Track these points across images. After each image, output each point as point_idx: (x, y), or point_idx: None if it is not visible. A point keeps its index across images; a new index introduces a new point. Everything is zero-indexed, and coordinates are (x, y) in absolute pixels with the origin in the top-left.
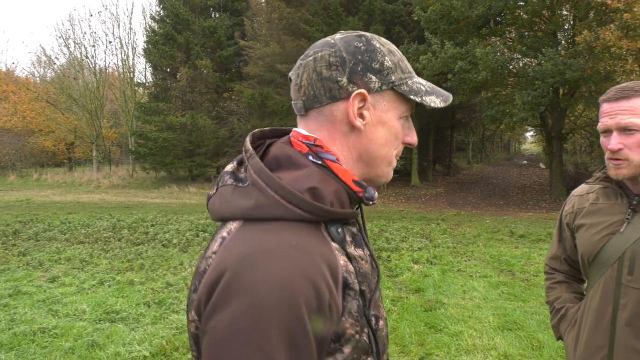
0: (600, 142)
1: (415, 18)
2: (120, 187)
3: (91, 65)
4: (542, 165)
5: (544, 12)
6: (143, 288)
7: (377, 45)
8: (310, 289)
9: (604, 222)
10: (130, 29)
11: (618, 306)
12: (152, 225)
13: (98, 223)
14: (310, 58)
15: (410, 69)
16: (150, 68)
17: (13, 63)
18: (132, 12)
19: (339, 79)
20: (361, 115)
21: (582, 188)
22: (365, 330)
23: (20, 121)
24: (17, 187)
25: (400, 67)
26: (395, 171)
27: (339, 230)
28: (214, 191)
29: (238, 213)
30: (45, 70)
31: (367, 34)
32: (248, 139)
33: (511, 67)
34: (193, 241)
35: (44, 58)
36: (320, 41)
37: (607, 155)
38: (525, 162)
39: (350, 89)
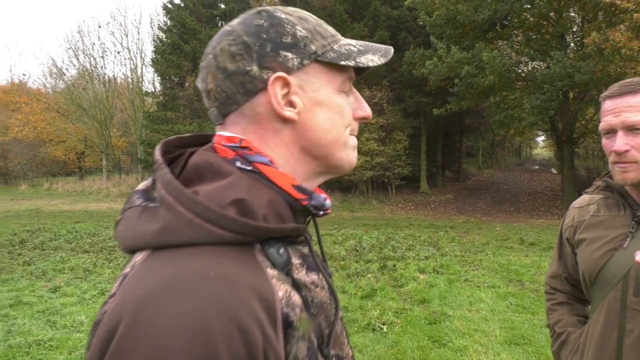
0: (603, 144)
1: (421, 23)
2: (129, 195)
3: (100, 76)
4: (553, 171)
5: (551, 14)
6: None
7: (283, 15)
8: (234, 332)
9: (605, 236)
10: (139, 39)
11: (624, 332)
12: None
13: (104, 232)
14: (210, 56)
15: (333, 31)
16: (158, 77)
17: (24, 75)
18: (140, 23)
19: (247, 68)
20: (290, 103)
21: (582, 199)
22: None
23: (31, 131)
24: (28, 196)
25: (319, 33)
26: (404, 177)
27: (281, 251)
28: (121, 216)
29: (144, 241)
30: (56, 81)
31: (269, 7)
32: (158, 148)
33: (519, 70)
34: None
35: (54, 69)
36: (217, 33)
37: (611, 158)
38: (537, 167)
39: (265, 76)
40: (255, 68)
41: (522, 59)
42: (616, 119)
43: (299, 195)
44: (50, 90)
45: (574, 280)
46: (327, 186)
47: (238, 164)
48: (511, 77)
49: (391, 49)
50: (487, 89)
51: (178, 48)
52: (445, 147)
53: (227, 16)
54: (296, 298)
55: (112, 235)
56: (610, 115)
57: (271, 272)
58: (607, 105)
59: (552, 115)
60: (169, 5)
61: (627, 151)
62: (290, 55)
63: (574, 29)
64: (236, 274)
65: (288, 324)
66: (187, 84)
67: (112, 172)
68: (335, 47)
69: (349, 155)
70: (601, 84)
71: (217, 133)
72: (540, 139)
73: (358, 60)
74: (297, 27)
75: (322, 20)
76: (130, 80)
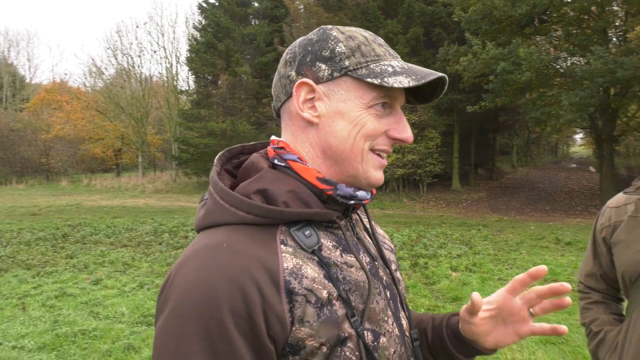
0: None
1: (456, 19)
2: (163, 192)
3: (137, 75)
4: (592, 169)
5: (592, 8)
6: None
7: (334, 33)
8: (234, 291)
9: None
10: (174, 38)
11: None
12: (192, 230)
13: (141, 227)
14: (280, 63)
15: (380, 52)
16: (192, 76)
17: (66, 74)
18: (175, 22)
19: (289, 73)
20: (314, 108)
21: (618, 198)
22: (350, 345)
23: (72, 129)
24: (69, 192)
25: (359, 51)
26: (435, 175)
27: (307, 232)
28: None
29: (198, 224)
30: (95, 80)
31: (333, 26)
32: (219, 154)
33: (557, 66)
34: None
35: (93, 69)
36: None
37: None
38: (574, 165)
39: (297, 81)
40: (293, 73)
41: (560, 55)
42: None
43: (323, 186)
44: (89, 89)
45: (609, 279)
46: None
47: (276, 161)
48: (549, 73)
49: (430, 75)
50: (523, 85)
51: (212, 47)
52: (478, 145)
53: (261, 14)
54: (309, 271)
55: (149, 230)
56: None
57: (284, 248)
58: None
59: (592, 112)
60: (204, 5)
61: None
62: (323, 66)
63: (617, 24)
64: (246, 245)
65: (289, 291)
66: (220, 82)
67: (147, 169)
68: (373, 65)
69: (367, 170)
70: None
71: (271, 139)
72: (578, 136)
73: (385, 80)
74: (339, 44)
75: (378, 42)
76: (165, 78)
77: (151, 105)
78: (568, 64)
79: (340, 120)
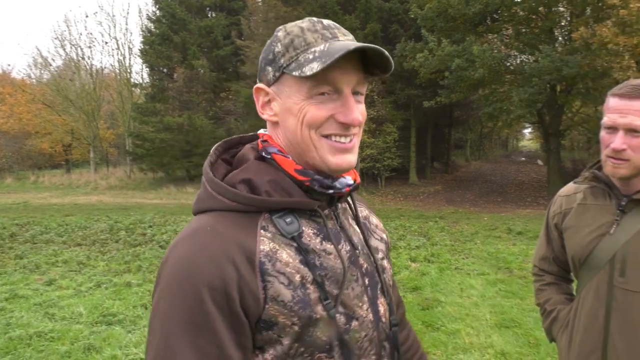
0: (601, 137)
1: (412, 16)
2: (118, 188)
3: (87, 67)
4: (540, 162)
5: (540, 9)
6: (140, 290)
7: (279, 34)
8: (212, 268)
9: (593, 223)
10: (127, 29)
11: (611, 307)
12: (150, 227)
13: (95, 225)
14: None
15: (312, 39)
16: (146, 68)
17: (9, 65)
18: (128, 13)
19: (257, 81)
20: (271, 109)
21: (568, 188)
22: (321, 325)
23: (16, 123)
24: (15, 189)
25: (292, 45)
26: (393, 169)
27: (288, 219)
28: None
29: (192, 210)
30: (42, 71)
31: (287, 25)
32: (215, 145)
33: (508, 64)
34: None
35: (39, 60)
36: None
37: (606, 152)
38: (524, 158)
39: (254, 87)
40: (258, 81)
41: (511, 53)
42: (622, 120)
43: (301, 177)
44: (35, 81)
45: (560, 262)
46: None
47: (263, 153)
48: (500, 70)
49: (343, 51)
50: (477, 81)
51: (167, 39)
52: (434, 139)
53: (218, 6)
54: (284, 256)
55: (104, 228)
56: (616, 114)
57: (264, 233)
58: (615, 103)
59: (540, 108)
60: None
61: (624, 150)
62: (270, 69)
63: (563, 24)
64: (227, 229)
65: (263, 271)
66: (176, 75)
67: (99, 164)
68: (301, 57)
69: (323, 156)
70: (588, 77)
71: (258, 132)
72: (527, 131)
73: (303, 70)
74: (278, 44)
75: (315, 28)
76: (118, 71)
77: (103, 98)
78: (518, 62)
79: (289, 116)
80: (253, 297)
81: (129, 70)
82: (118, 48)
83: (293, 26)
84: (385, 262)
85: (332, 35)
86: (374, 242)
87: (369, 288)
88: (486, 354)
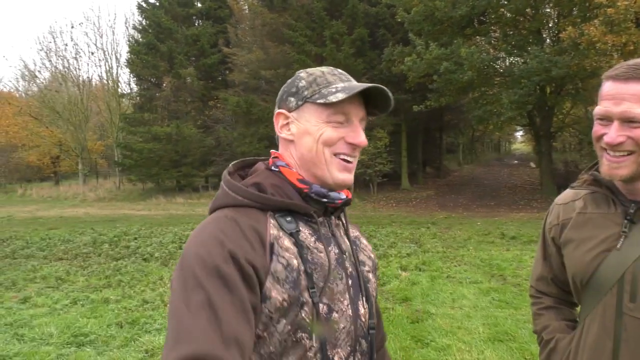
0: (593, 129)
1: (399, 20)
2: (106, 199)
3: (74, 78)
4: (532, 165)
5: (527, 10)
6: (117, 307)
7: (302, 74)
8: (232, 243)
9: (596, 236)
10: (114, 39)
11: (620, 340)
12: (135, 239)
13: (79, 238)
14: None
15: (332, 79)
16: (134, 78)
17: None
18: (114, 23)
19: (276, 108)
20: (289, 130)
21: (566, 195)
22: (306, 309)
23: (3, 136)
24: (1, 203)
25: (315, 82)
26: (385, 175)
27: (288, 219)
28: None
29: (209, 208)
30: (29, 84)
31: (308, 69)
32: (236, 162)
33: (497, 66)
34: (175, 254)
35: (26, 72)
36: None
37: (601, 144)
38: (516, 161)
39: (275, 112)
40: (277, 108)
41: (499, 55)
42: (616, 108)
43: (300, 185)
44: (22, 93)
45: (560, 282)
46: None
47: (272, 167)
48: (489, 72)
49: (362, 86)
50: (465, 84)
51: (154, 48)
52: (425, 144)
53: (204, 15)
54: (286, 243)
55: (87, 241)
56: (610, 101)
57: (273, 221)
58: (608, 87)
59: (530, 109)
60: (144, 5)
61: (621, 142)
62: (292, 99)
63: (550, 25)
64: (241, 218)
65: (271, 250)
66: (164, 84)
67: (88, 176)
68: (324, 90)
69: (332, 172)
70: (577, 78)
71: (271, 151)
72: (519, 133)
73: (328, 98)
74: (302, 82)
75: (333, 72)
76: (105, 81)
77: (91, 109)
78: (507, 64)
79: (307, 136)
80: (262, 267)
81: (116, 81)
82: (105, 59)
83: (315, 70)
84: (370, 275)
85: (347, 79)
86: (362, 257)
87: (351, 288)
88: None
